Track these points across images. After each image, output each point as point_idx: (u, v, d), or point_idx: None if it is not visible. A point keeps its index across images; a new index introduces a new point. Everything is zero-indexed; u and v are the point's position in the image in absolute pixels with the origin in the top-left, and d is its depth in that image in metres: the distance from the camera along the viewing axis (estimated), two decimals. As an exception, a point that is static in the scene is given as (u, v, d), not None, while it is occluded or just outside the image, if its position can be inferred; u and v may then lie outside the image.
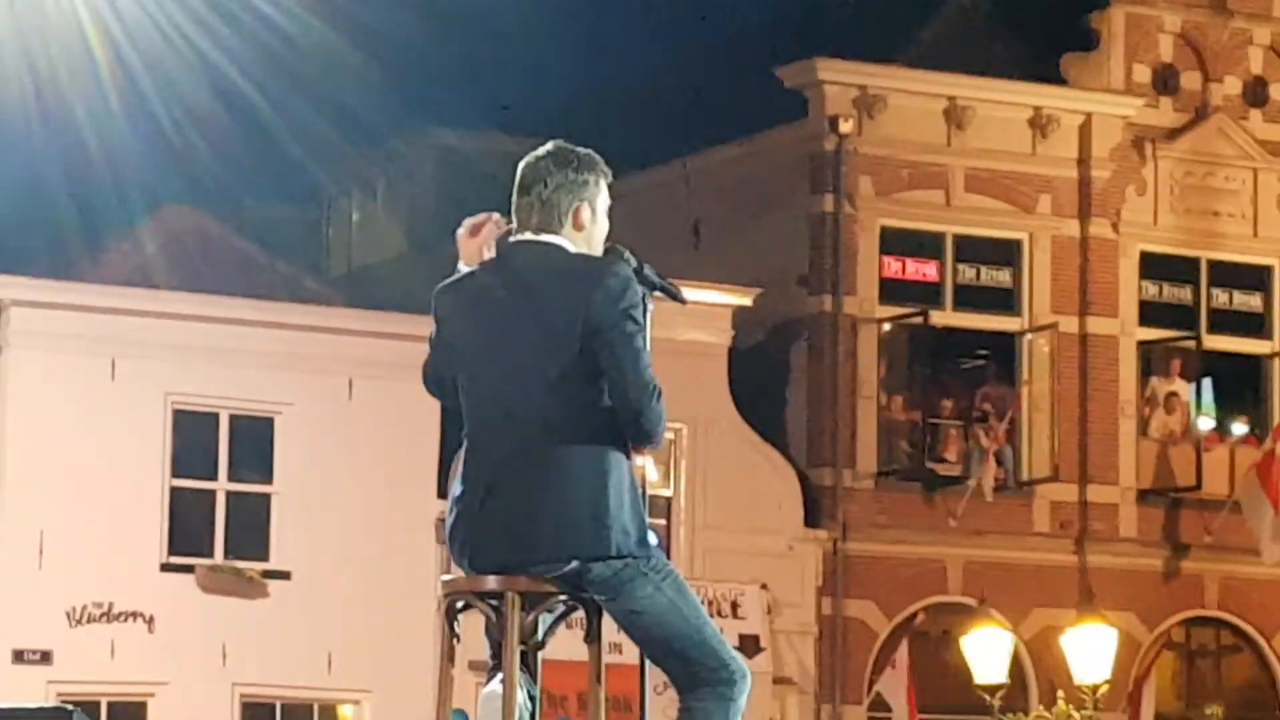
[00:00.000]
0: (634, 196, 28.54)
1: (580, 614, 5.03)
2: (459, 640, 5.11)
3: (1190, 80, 34.49)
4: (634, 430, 4.86)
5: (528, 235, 4.94)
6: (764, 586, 30.36)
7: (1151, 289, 34.09)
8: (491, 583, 4.93)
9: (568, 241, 4.88)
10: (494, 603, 4.94)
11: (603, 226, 5.08)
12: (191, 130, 33.75)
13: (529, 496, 4.93)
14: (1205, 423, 34.00)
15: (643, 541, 4.86)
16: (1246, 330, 34.74)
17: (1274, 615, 33.90)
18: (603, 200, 5.05)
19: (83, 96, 31.35)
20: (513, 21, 44.06)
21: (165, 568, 28.87)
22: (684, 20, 45.49)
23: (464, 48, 47.55)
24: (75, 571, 28.36)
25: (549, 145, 4.98)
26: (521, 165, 4.89)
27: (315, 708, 30.39)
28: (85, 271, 31.24)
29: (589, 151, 4.98)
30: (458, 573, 4.98)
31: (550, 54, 43.75)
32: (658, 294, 5.13)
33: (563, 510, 4.83)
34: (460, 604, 5.04)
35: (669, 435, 27.98)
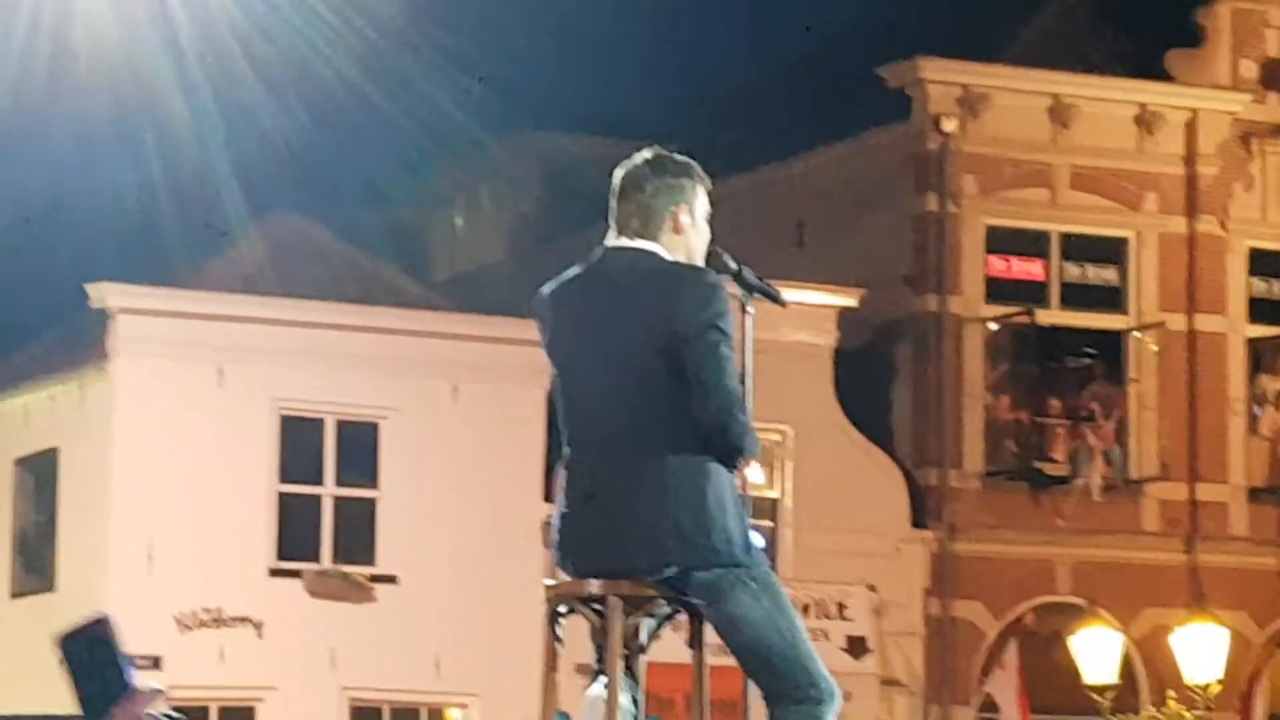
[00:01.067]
0: (738, 198, 28.93)
1: (684, 618, 5.04)
2: (562, 644, 5.14)
3: None
4: (719, 443, 4.86)
5: (624, 241, 5.00)
6: (871, 588, 30.36)
7: (1260, 285, 33.90)
8: (594, 586, 4.96)
9: (663, 249, 4.91)
10: (597, 607, 4.98)
11: (703, 231, 5.10)
12: (295, 139, 33.85)
13: (627, 503, 4.92)
14: None
15: (747, 548, 4.85)
16: None
17: None
18: (701, 205, 5.06)
19: (188, 105, 31.40)
20: (614, 25, 44.07)
21: (273, 573, 29.08)
22: (786, 22, 45.75)
23: (565, 52, 47.35)
24: (185, 577, 28.55)
25: (647, 152, 5.07)
26: (619, 171, 5.05)
27: (423, 712, 30.59)
28: (192, 279, 31.31)
29: (686, 158, 5.06)
30: (562, 577, 5.05)
31: (653, 57, 43.87)
32: (758, 296, 5.24)
33: (662, 516, 4.81)
34: (564, 608, 5.11)
35: (775, 437, 29.57)
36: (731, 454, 4.94)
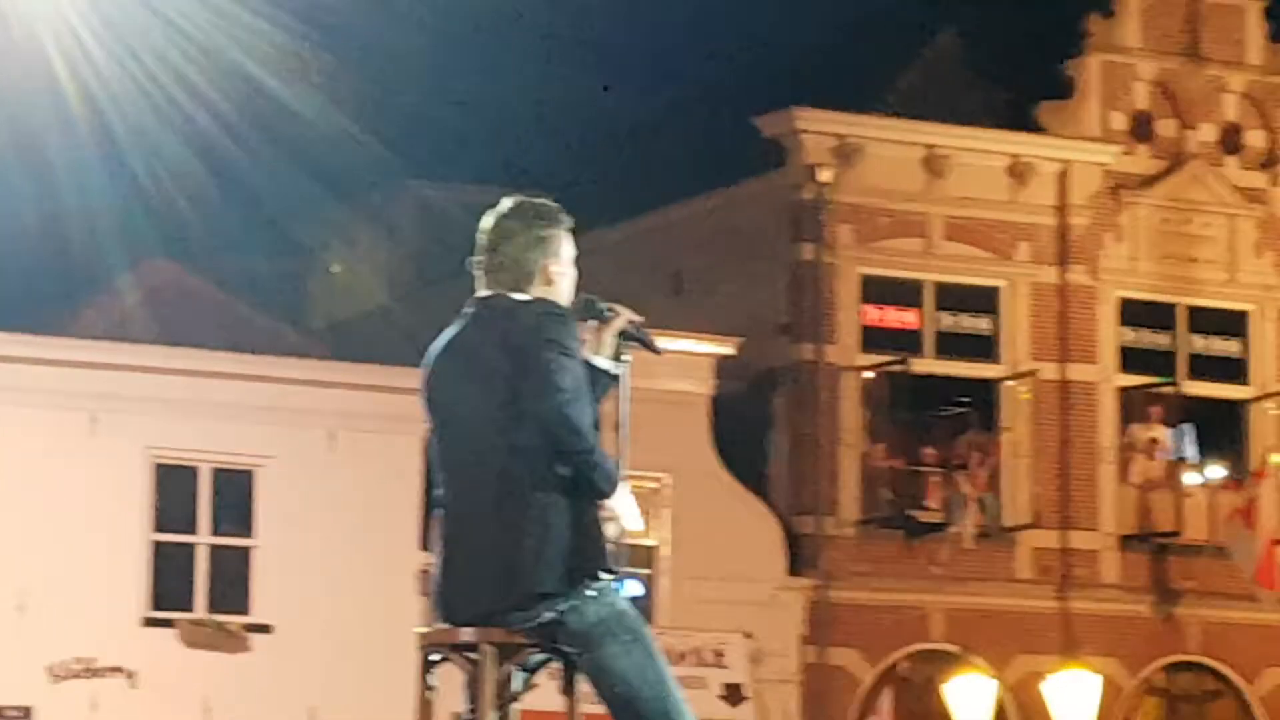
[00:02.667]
0: (615, 247, 29.86)
1: (557, 665, 5.00)
2: (435, 693, 5.11)
3: (1166, 128, 34.56)
4: (574, 479, 4.90)
5: (495, 293, 5.03)
6: (748, 635, 30.06)
7: (1130, 335, 34.14)
8: (466, 634, 4.96)
9: (529, 292, 4.95)
10: (470, 654, 4.96)
11: (570, 276, 5.10)
12: (170, 185, 33.44)
13: (485, 546, 4.99)
14: (1186, 468, 33.98)
15: (597, 575, 4.86)
16: (1225, 375, 34.84)
17: (1255, 659, 33.97)
18: (568, 250, 5.05)
19: (61, 151, 31.34)
20: (492, 74, 44.60)
21: (147, 622, 28.65)
22: (663, 71, 45.41)
23: (442, 102, 46.73)
24: (56, 626, 28.03)
25: (509, 201, 5.07)
26: (487, 221, 5.00)
27: None
28: (64, 326, 31.26)
29: (547, 203, 5.06)
30: (437, 625, 5.05)
31: (529, 107, 43.50)
32: (634, 345, 5.20)
33: (529, 559, 4.84)
34: (437, 656, 5.07)
35: (653, 485, 29.40)
36: (574, 480, 4.98)
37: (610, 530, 5.09)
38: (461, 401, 5.21)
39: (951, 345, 33.28)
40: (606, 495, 5.07)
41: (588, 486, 4.97)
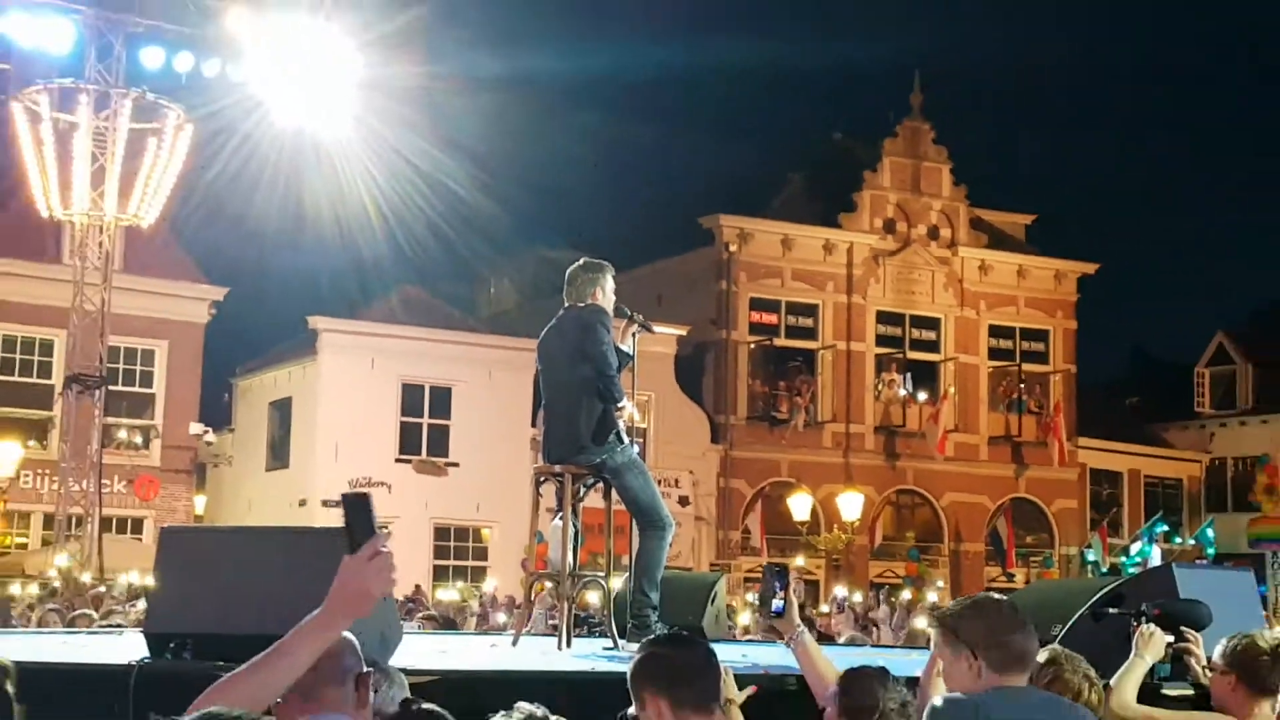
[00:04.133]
0: (630, 282, 25.87)
1: (600, 484, 7.04)
2: (542, 496, 7.23)
3: (901, 226, 38.67)
4: (604, 393, 6.67)
5: (571, 303, 7.03)
6: (691, 472, 34.67)
7: (882, 328, 38.53)
8: (555, 467, 6.70)
9: (587, 303, 6.83)
10: (558, 477, 6.79)
11: (610, 296, 6.89)
12: (412, 240, 32.85)
13: (563, 424, 6.91)
14: (911, 394, 38.41)
15: (619, 440, 6.82)
16: (924, 349, 39.22)
17: (940, 487, 38.62)
18: (608, 283, 6.84)
19: (347, 218, 30.00)
20: (553, 197, 45.06)
21: (397, 460, 32.23)
22: (638, 198, 47.80)
23: (543, 192, 48.24)
24: (356, 462, 30.34)
25: (581, 260, 7.03)
26: (569, 271, 7.12)
27: (470, 530, 33.86)
28: (363, 315, 34.32)
29: (596, 260, 6.92)
30: (540, 463, 7.13)
31: (579, 220, 42.86)
32: (642, 330, 7.28)
33: (590, 429, 6.80)
34: (542, 479, 7.03)
35: (644, 397, 31.72)
36: (609, 400, 6.78)
37: (624, 417, 6.76)
38: (556, 354, 6.89)
39: (793, 333, 37.58)
40: (617, 401, 6.81)
41: (609, 396, 6.66)
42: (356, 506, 2.92)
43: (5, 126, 23.44)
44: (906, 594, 27.56)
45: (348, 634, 3.20)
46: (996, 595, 4.29)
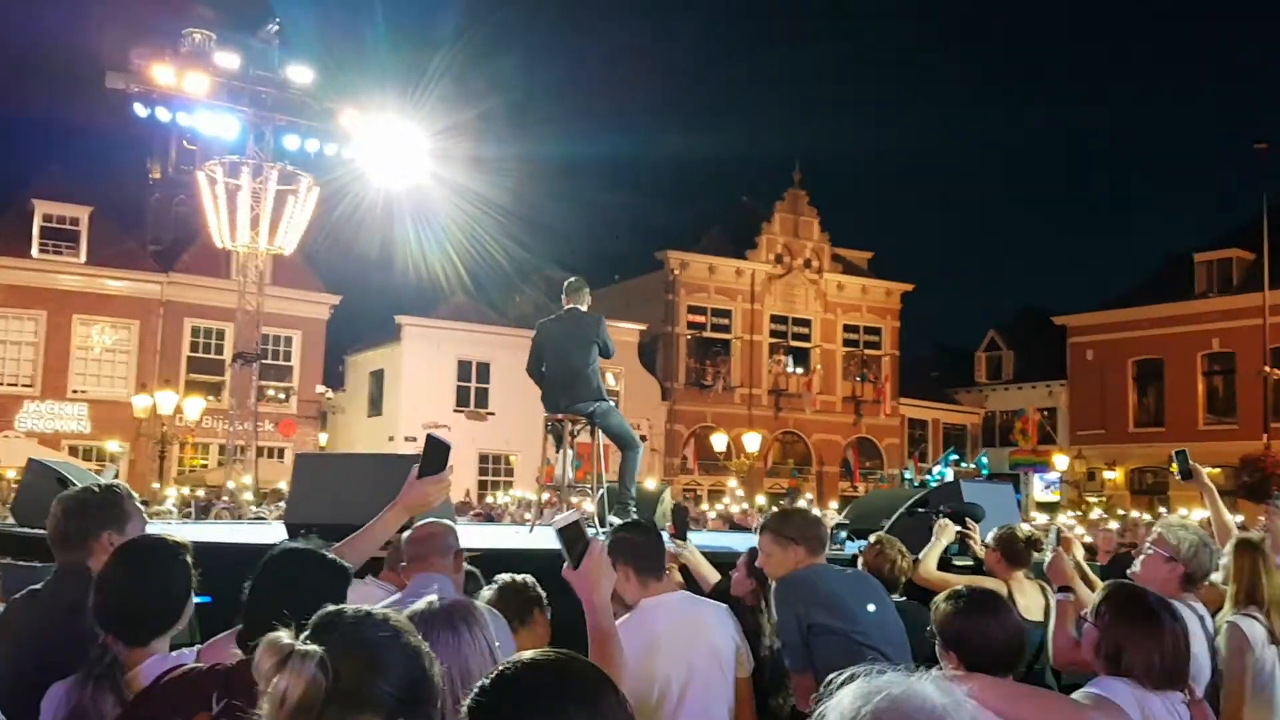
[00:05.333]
0: (604, 295, 28.01)
1: (589, 427, 7.03)
2: (549, 435, 7.23)
3: (785, 257, 37.49)
4: (607, 355, 6.82)
5: (568, 306, 6.91)
6: (648, 420, 33.58)
7: (776, 325, 37.61)
8: (560, 415, 6.80)
9: (584, 307, 6.87)
10: (561, 421, 6.88)
11: (588, 300, 7.05)
12: (452, 261, 30.92)
13: (568, 386, 6.84)
14: (792, 369, 37.60)
15: (602, 396, 6.85)
16: (800, 339, 37.78)
17: (810, 428, 37.74)
18: (587, 293, 7.01)
19: (403, 243, 28.43)
20: (548, 235, 42.06)
21: (454, 411, 31.31)
22: (610, 230, 49.02)
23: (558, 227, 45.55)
24: (422, 412, 28.82)
25: (573, 278, 7.01)
26: (566, 284, 7.05)
27: (503, 456, 32.10)
28: (431, 314, 32.82)
29: (581, 278, 7.04)
30: (549, 413, 7.09)
31: (571, 255, 40.90)
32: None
33: (586, 389, 6.85)
34: (550, 423, 7.04)
35: (616, 370, 31.88)
36: (607, 357, 6.89)
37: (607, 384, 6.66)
38: (560, 337, 6.84)
39: (715, 329, 36.77)
40: (611, 358, 6.85)
41: (609, 357, 6.66)
42: (437, 447, 2.77)
43: (193, 188, 23.65)
44: (790, 504, 25.72)
45: (448, 522, 3.31)
46: (799, 507, 4.45)
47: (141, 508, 2.99)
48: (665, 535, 4.49)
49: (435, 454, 2.75)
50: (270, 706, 1.43)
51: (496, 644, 2.03)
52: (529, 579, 3.52)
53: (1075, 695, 2.62)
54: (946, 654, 2.60)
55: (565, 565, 2.17)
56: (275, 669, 1.44)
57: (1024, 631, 2.74)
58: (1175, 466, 4.48)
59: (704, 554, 5.03)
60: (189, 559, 2.43)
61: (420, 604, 2.33)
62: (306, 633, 1.51)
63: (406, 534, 3.38)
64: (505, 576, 3.52)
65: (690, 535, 5.12)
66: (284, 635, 1.49)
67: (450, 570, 3.26)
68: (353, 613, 1.55)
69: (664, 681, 3.29)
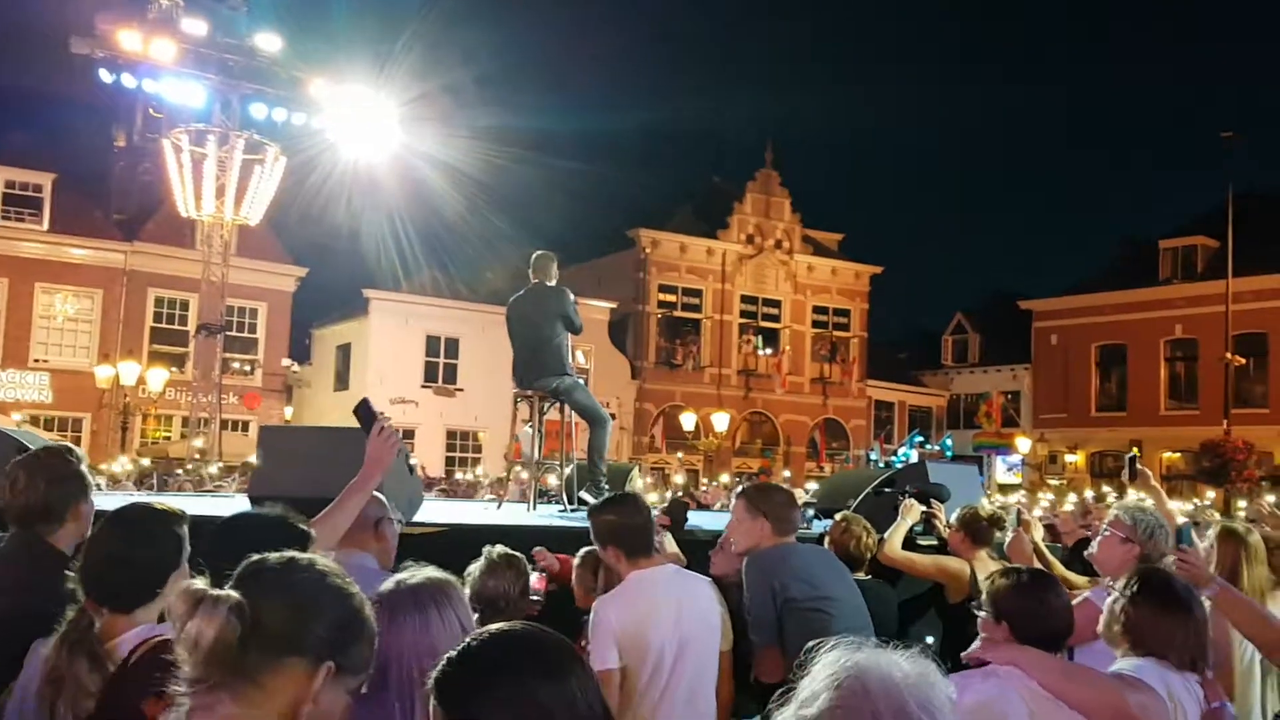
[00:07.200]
0: (577, 272, 29.86)
1: (557, 403, 6.93)
2: (519, 409, 7.11)
3: (756, 237, 37.40)
4: (573, 330, 6.61)
5: (534, 282, 6.78)
6: (617, 398, 33.58)
7: (744, 306, 36.52)
8: (529, 391, 6.72)
9: (550, 281, 6.76)
10: (529, 398, 6.78)
11: (556, 275, 6.91)
12: (435, 236, 31.45)
13: (533, 359, 6.77)
14: (762, 349, 37.42)
15: (569, 372, 6.73)
16: (772, 319, 38.15)
17: (779, 409, 37.68)
18: (555, 268, 6.87)
19: (377, 217, 29.08)
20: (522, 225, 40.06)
21: (422, 386, 31.52)
22: (583, 207, 47.29)
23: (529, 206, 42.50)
24: (396, 387, 29.58)
25: (539, 251, 6.89)
26: (533, 259, 6.96)
27: (471, 433, 32.03)
28: (400, 287, 32.28)
29: (549, 252, 6.93)
30: (517, 389, 6.99)
31: (551, 237, 36.96)
32: (582, 302, 7.56)
33: (551, 364, 6.71)
34: (519, 398, 6.91)
35: (586, 348, 31.38)
36: (574, 332, 6.71)
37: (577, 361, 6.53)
38: (529, 313, 6.73)
39: (686, 308, 36.74)
40: (579, 334, 6.54)
41: (576, 333, 6.44)
42: (361, 409, 2.88)
43: (158, 157, 23.13)
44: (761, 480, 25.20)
45: (376, 493, 3.12)
46: (779, 484, 4.31)
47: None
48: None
49: (365, 414, 2.83)
50: (183, 651, 1.43)
51: (475, 617, 2.00)
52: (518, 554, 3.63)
53: (1109, 674, 2.71)
54: (998, 625, 2.63)
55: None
56: (188, 614, 1.43)
57: (1073, 613, 2.80)
58: (1125, 470, 4.55)
59: (710, 533, 5.04)
60: (180, 529, 2.39)
61: (388, 583, 2.32)
62: (230, 582, 1.50)
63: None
64: (500, 549, 3.60)
65: (694, 516, 5.17)
66: (198, 582, 1.48)
67: (372, 544, 3.15)
68: (277, 559, 1.55)
69: (657, 652, 3.30)
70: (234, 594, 1.46)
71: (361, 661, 1.54)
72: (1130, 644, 2.76)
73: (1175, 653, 2.70)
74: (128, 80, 19.78)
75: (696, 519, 7.75)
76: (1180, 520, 4.12)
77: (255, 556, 1.55)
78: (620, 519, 3.44)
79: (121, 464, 18.80)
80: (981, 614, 2.70)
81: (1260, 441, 30.21)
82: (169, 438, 28.74)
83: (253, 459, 17.65)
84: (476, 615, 3.33)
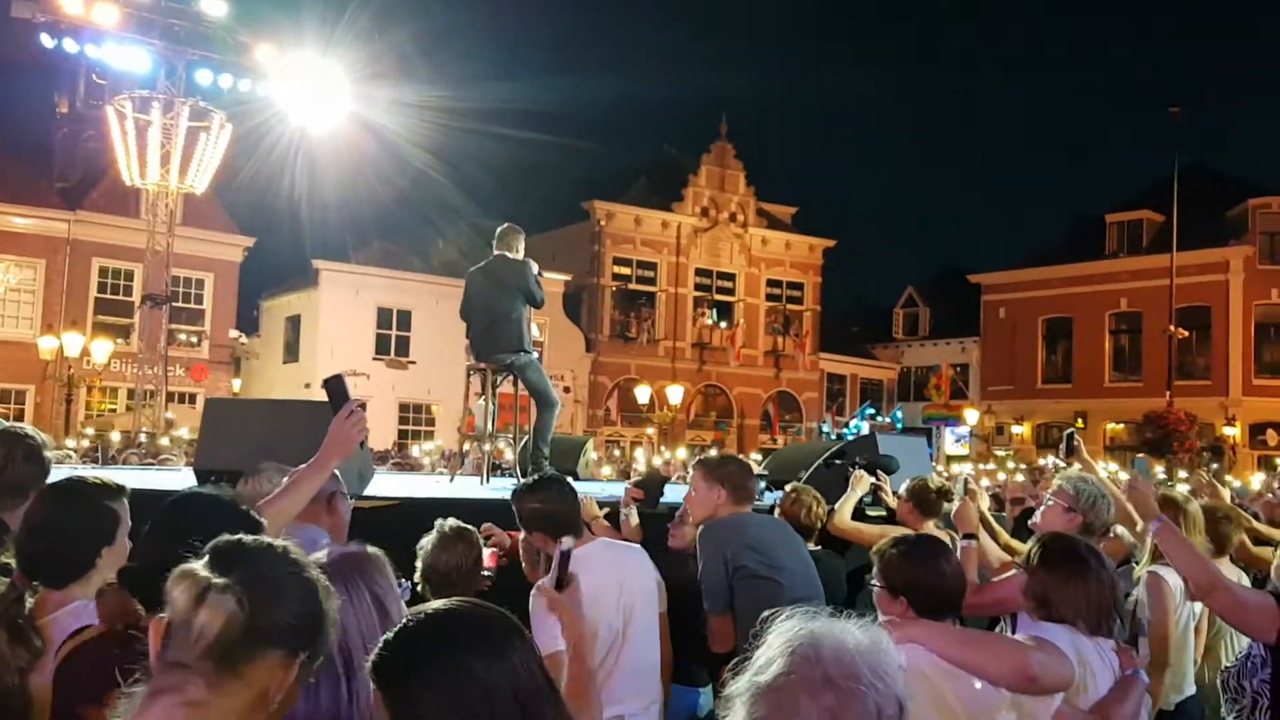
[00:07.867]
0: (535, 243, 27.59)
1: (511, 377, 6.84)
2: (471, 384, 7.06)
3: (704, 210, 37.22)
4: (534, 304, 6.62)
5: (498, 252, 6.75)
6: (572, 371, 34.01)
7: (699, 279, 37.53)
8: (482, 364, 6.61)
9: (511, 255, 6.70)
10: (483, 371, 6.71)
11: (522, 249, 6.88)
12: (387, 205, 31.72)
13: (490, 333, 6.64)
14: (716, 322, 37.58)
15: (525, 348, 6.69)
16: (724, 292, 38.06)
17: (733, 382, 37.80)
18: (521, 241, 6.86)
19: (348, 187, 28.52)
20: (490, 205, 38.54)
21: (374, 359, 30.99)
22: (537, 179, 45.94)
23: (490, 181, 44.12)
24: (350, 360, 28.60)
25: (505, 225, 6.88)
26: (498, 231, 6.89)
27: (424, 406, 32.39)
28: (351, 257, 32.45)
29: (515, 226, 6.89)
30: (472, 361, 6.93)
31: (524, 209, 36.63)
32: (543, 276, 6.97)
33: (510, 339, 6.62)
34: (472, 372, 6.89)
35: (541, 321, 30.73)
36: (537, 306, 6.70)
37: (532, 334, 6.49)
38: (487, 287, 6.69)
39: (641, 281, 36.71)
40: (539, 308, 6.56)
41: (536, 306, 6.45)
42: (334, 385, 2.79)
43: (102, 124, 22.80)
44: (713, 451, 25.63)
45: None
46: (738, 456, 4.35)
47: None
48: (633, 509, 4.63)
49: (336, 390, 2.77)
50: (184, 642, 1.40)
51: (397, 590, 1.96)
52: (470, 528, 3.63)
53: (1013, 638, 2.72)
54: (895, 600, 2.63)
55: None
56: (193, 604, 1.39)
57: (964, 575, 2.80)
58: (1062, 446, 4.56)
59: (667, 505, 5.06)
60: (116, 504, 2.33)
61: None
62: (206, 559, 1.47)
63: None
64: (452, 522, 3.60)
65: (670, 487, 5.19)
66: (198, 567, 1.44)
67: (325, 517, 3.10)
68: (254, 543, 1.52)
69: (605, 630, 3.32)
70: (231, 582, 1.42)
71: (324, 650, 1.53)
72: (1039, 611, 2.78)
73: (1081, 616, 2.71)
74: (70, 45, 19.49)
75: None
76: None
77: (228, 536, 1.51)
78: (545, 506, 3.42)
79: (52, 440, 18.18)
80: (877, 587, 2.69)
81: (1202, 413, 30.63)
82: (115, 410, 28.48)
83: (183, 433, 19.19)
84: (429, 588, 3.44)
